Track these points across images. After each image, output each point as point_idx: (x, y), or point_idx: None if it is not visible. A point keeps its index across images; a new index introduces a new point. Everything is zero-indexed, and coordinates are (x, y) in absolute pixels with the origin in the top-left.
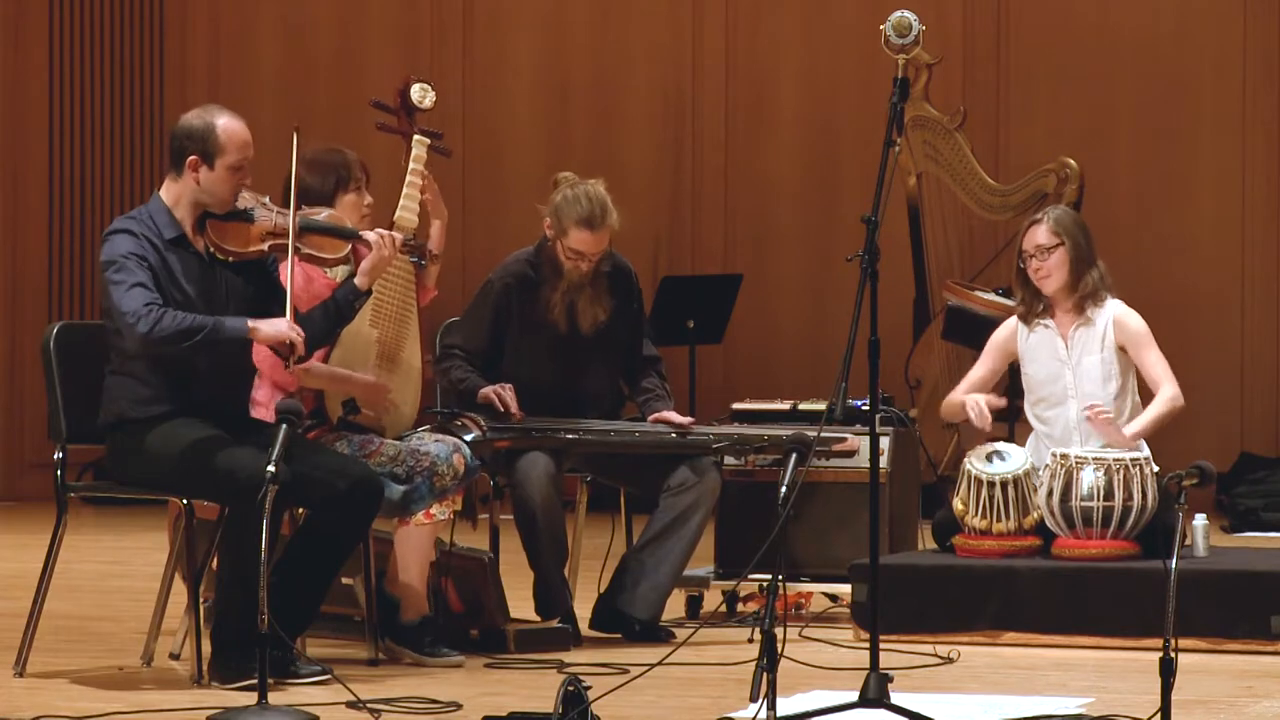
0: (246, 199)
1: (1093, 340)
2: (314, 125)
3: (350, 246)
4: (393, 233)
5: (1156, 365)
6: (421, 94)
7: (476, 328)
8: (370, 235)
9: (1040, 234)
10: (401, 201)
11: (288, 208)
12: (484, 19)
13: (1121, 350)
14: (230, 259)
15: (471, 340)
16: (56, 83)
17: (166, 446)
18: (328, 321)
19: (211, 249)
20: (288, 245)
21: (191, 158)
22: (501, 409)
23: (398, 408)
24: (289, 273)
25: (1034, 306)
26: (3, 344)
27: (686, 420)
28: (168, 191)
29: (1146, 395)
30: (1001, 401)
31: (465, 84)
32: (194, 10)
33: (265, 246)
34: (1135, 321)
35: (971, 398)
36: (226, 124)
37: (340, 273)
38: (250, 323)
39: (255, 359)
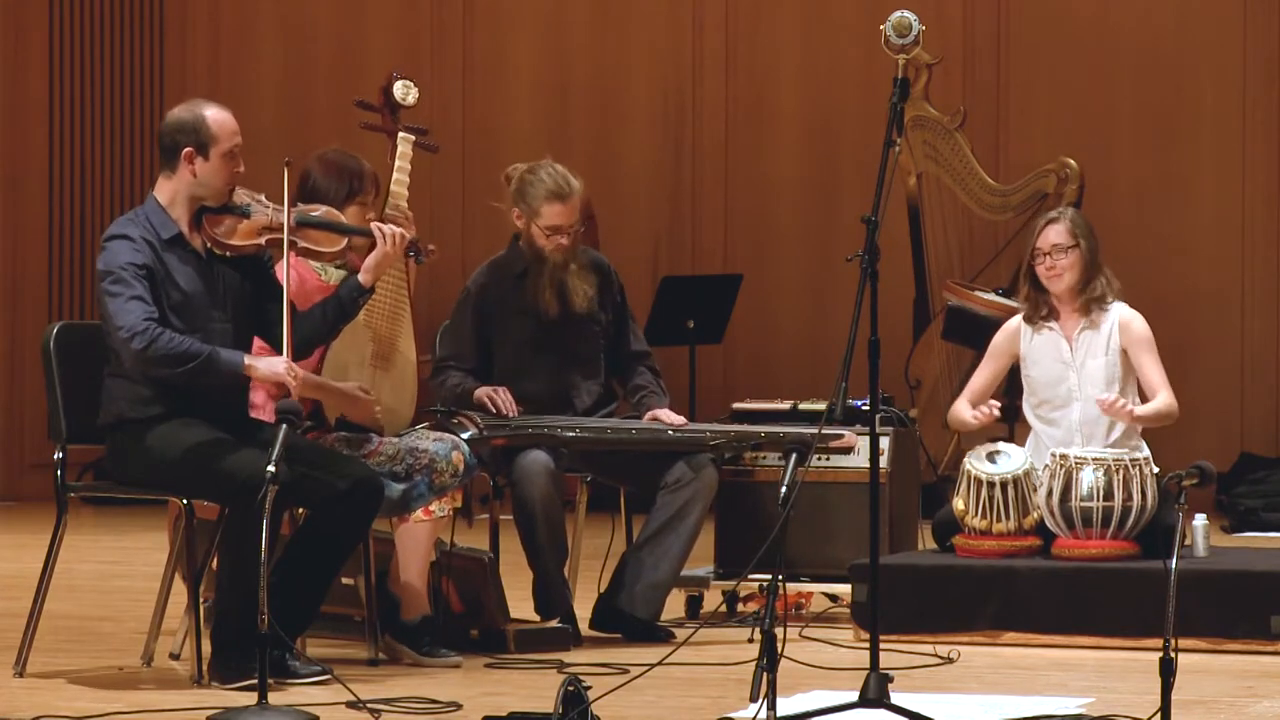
0: (243, 196)
1: (1097, 343)
2: (314, 125)
3: (347, 242)
4: (399, 230)
5: (1155, 373)
6: (404, 91)
7: (461, 337)
8: (376, 230)
9: (1059, 233)
10: (388, 199)
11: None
12: (484, 19)
13: (1125, 353)
14: (228, 254)
15: (460, 350)
16: (56, 82)
17: (166, 447)
18: (329, 319)
19: (209, 244)
20: (284, 240)
21: (186, 150)
22: (494, 411)
23: (393, 409)
24: (284, 272)
25: (1038, 307)
26: (3, 344)
27: (679, 420)
28: (162, 190)
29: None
30: (998, 407)
31: (465, 84)
32: (194, 10)
33: (262, 241)
34: (1139, 325)
35: (973, 411)
36: (215, 114)
37: (334, 274)
38: (247, 359)
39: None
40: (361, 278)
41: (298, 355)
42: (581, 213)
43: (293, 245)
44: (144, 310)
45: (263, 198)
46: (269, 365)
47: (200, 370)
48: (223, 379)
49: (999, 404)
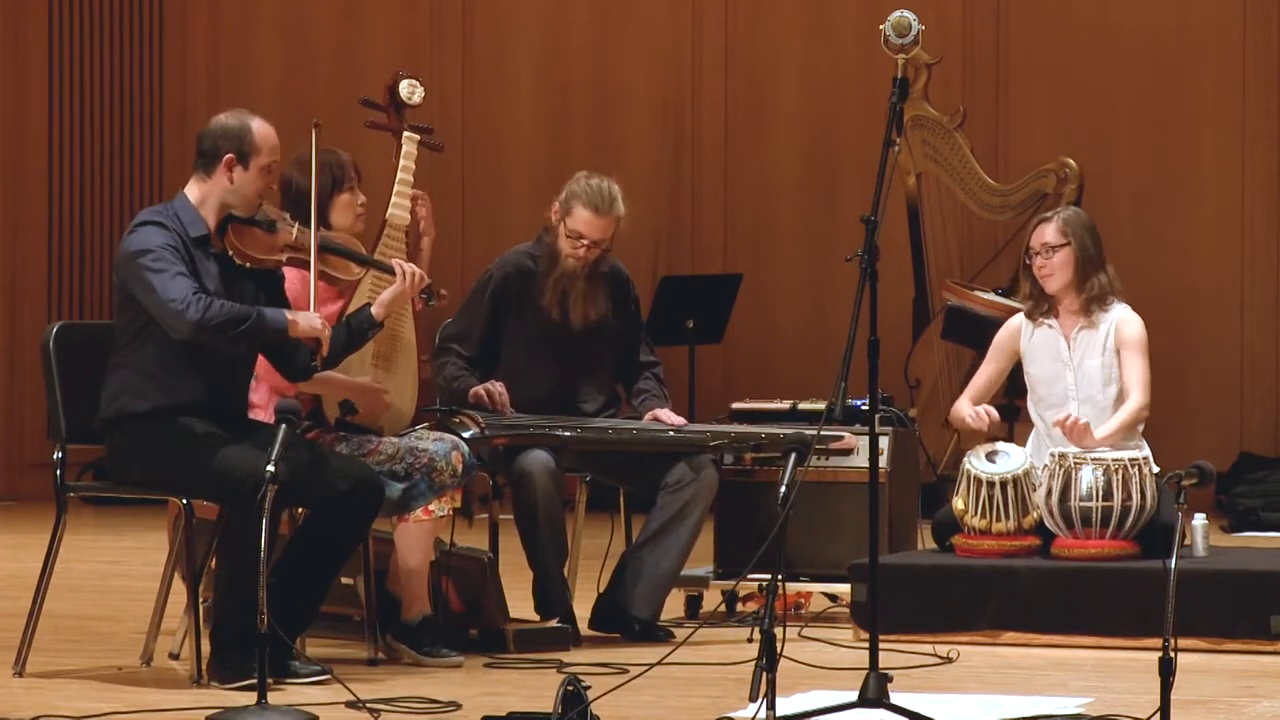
0: (269, 211)
1: (1095, 343)
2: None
3: (365, 272)
4: (418, 270)
5: (1134, 372)
6: (410, 90)
7: (473, 319)
8: (397, 266)
9: (1048, 232)
10: (393, 199)
11: (303, 219)
12: (484, 19)
13: (1120, 353)
14: (247, 265)
15: (468, 332)
16: (56, 83)
17: (166, 445)
18: (336, 345)
19: (230, 252)
20: (304, 260)
21: (228, 156)
22: (490, 406)
23: (395, 407)
24: (311, 282)
25: (1040, 304)
26: (3, 344)
27: (680, 421)
28: (193, 191)
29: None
30: (995, 416)
31: (465, 84)
32: (194, 10)
33: (283, 257)
34: (1132, 326)
35: (973, 410)
36: (260, 126)
37: None
38: (288, 315)
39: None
40: (375, 311)
41: (301, 378)
42: (613, 237)
43: (308, 265)
44: (190, 283)
45: (287, 216)
46: (307, 320)
47: (253, 330)
48: (271, 336)
49: (996, 413)
